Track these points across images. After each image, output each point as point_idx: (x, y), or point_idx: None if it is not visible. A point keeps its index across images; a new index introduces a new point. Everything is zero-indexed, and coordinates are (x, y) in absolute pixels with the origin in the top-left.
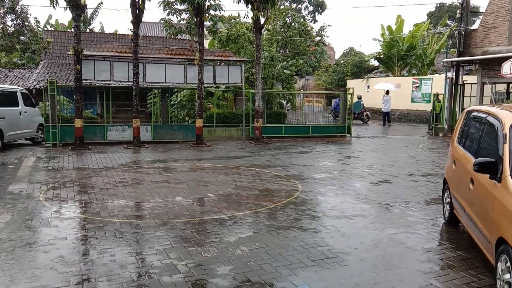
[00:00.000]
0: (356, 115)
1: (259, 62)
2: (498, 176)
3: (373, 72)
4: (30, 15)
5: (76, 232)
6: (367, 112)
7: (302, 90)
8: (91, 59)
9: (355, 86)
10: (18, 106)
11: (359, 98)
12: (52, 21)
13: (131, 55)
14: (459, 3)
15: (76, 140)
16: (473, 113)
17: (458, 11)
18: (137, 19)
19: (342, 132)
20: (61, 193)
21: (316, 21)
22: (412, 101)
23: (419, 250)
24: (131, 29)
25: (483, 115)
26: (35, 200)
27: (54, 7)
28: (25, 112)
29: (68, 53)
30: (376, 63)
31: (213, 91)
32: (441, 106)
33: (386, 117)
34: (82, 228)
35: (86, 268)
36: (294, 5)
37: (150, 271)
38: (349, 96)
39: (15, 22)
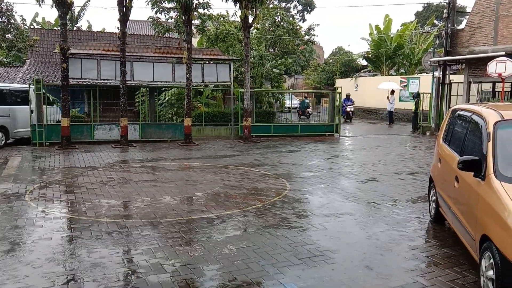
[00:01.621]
0: (301, 112)
1: (247, 61)
2: (482, 174)
3: (362, 71)
4: (16, 12)
5: (62, 232)
6: (309, 110)
7: (291, 89)
8: (78, 57)
9: (343, 85)
10: (29, 104)
11: (306, 98)
12: (39, 19)
13: (118, 53)
14: (446, 3)
15: (63, 139)
16: (458, 112)
17: (445, 11)
18: (124, 17)
19: (330, 131)
20: (47, 193)
21: (305, 20)
22: (400, 100)
23: (405, 248)
24: (118, 27)
25: (468, 114)
26: (21, 200)
27: (40, 4)
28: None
29: (54, 51)
30: (364, 62)
31: (202, 89)
32: (416, 104)
33: (391, 116)
34: (68, 228)
35: (72, 268)
36: (283, 4)
37: (136, 271)
38: (337, 95)
39: (0, 20)
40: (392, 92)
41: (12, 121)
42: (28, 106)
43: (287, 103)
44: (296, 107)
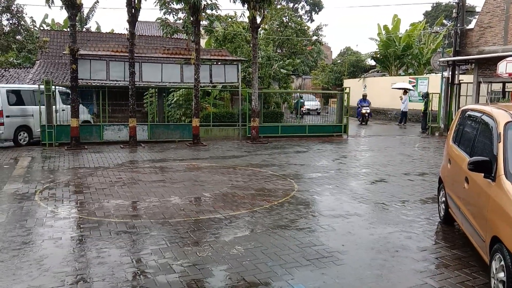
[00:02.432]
0: (296, 112)
1: (255, 61)
2: (493, 175)
3: (370, 72)
4: (26, 14)
5: (71, 232)
6: (302, 109)
7: (299, 90)
8: (87, 58)
9: (351, 85)
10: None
11: (301, 97)
12: (48, 20)
13: (127, 54)
14: (455, 2)
15: (72, 140)
16: (468, 112)
17: (454, 11)
18: (133, 18)
19: (338, 131)
20: (57, 193)
21: (313, 20)
22: (409, 100)
23: (414, 249)
24: (127, 28)
25: (478, 114)
26: (30, 200)
27: (49, 6)
28: (63, 110)
29: (64, 52)
30: (372, 62)
31: (210, 90)
32: (426, 104)
33: (404, 116)
34: (77, 228)
35: (81, 268)
36: (291, 5)
37: (145, 271)
38: (345, 96)
39: (10, 22)
40: (405, 92)
41: (35, 121)
42: (67, 106)
43: (306, 105)
44: (316, 109)
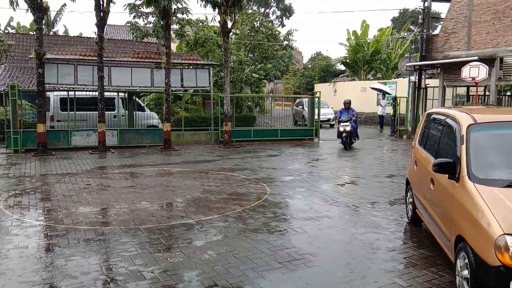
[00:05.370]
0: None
1: (227, 65)
2: (456, 176)
3: (340, 76)
4: None
5: (38, 240)
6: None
7: (270, 94)
8: (54, 62)
9: (322, 89)
10: (113, 110)
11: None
12: (14, 23)
13: (96, 58)
14: (421, 9)
15: (39, 145)
16: (433, 115)
17: (420, 17)
18: (101, 22)
19: (310, 135)
20: (23, 201)
21: (284, 25)
22: (377, 104)
23: (383, 249)
24: (95, 32)
25: (442, 118)
26: None
27: (14, 9)
28: (122, 115)
29: (30, 56)
30: (342, 67)
31: (181, 94)
32: (395, 108)
33: (382, 121)
34: (45, 236)
35: (49, 277)
36: (262, 10)
37: (115, 279)
38: (316, 100)
39: None
40: (384, 95)
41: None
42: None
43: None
44: (329, 119)
